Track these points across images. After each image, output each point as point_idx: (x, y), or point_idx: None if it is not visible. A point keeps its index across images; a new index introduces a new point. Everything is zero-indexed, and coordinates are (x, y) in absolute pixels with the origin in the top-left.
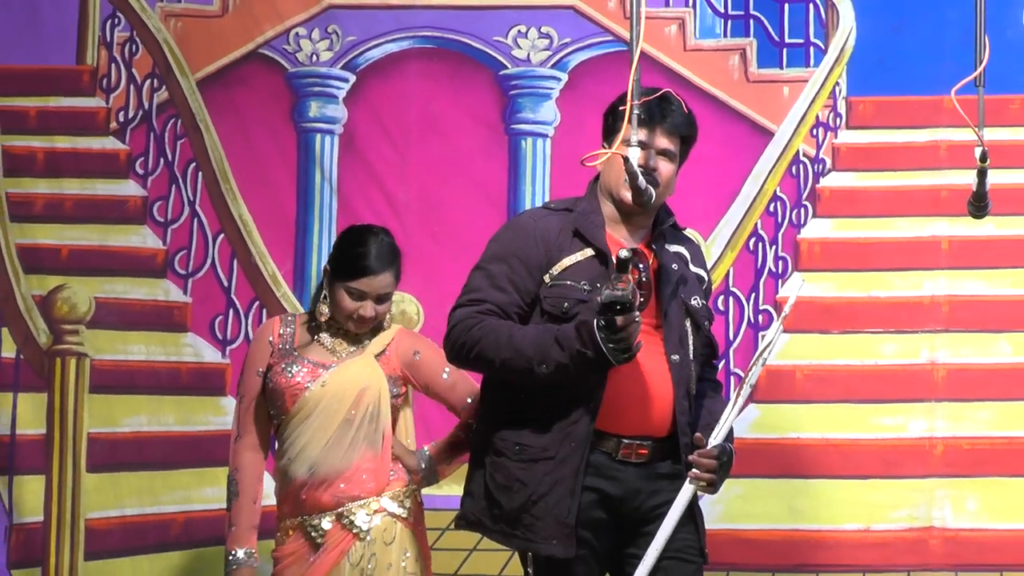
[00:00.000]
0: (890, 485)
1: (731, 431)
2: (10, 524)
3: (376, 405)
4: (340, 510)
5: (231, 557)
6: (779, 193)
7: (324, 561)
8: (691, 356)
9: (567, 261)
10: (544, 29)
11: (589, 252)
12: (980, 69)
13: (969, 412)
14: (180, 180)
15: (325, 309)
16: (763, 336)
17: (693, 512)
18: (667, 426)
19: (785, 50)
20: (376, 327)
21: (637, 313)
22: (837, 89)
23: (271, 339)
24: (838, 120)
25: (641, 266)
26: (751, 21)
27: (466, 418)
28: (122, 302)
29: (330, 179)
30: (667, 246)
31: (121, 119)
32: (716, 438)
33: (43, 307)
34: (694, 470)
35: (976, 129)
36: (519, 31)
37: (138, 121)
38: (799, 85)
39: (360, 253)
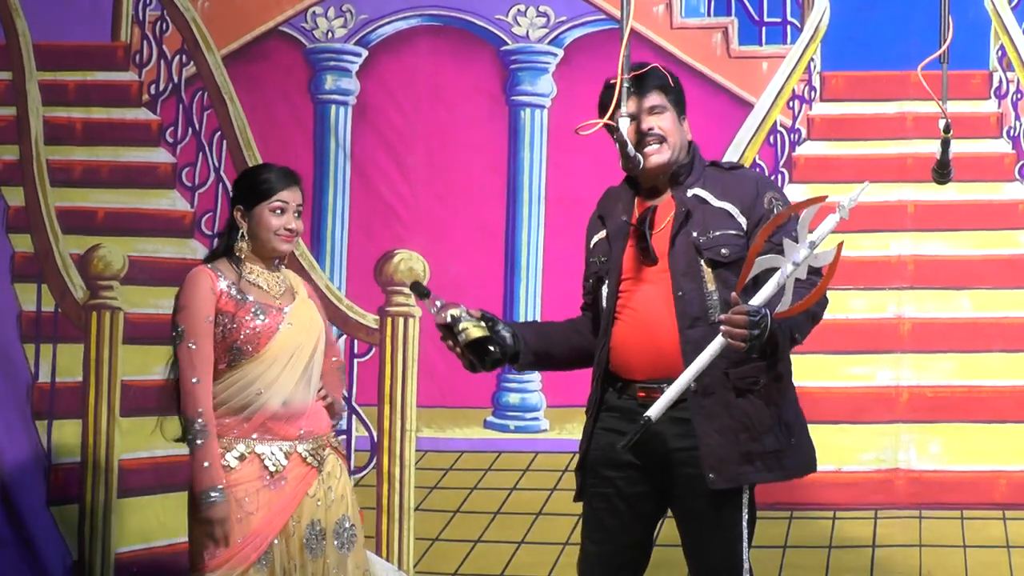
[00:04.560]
0: (859, 430)
1: (799, 318)
2: (49, 465)
3: (321, 347)
4: (303, 445)
5: (213, 494)
6: (758, 160)
7: (289, 495)
8: (706, 288)
9: (595, 239)
10: (542, 8)
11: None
12: (944, 47)
13: (932, 363)
14: (206, 148)
15: (244, 245)
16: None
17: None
18: (680, 367)
19: (764, 28)
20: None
21: (448, 340)
22: (812, 64)
23: (213, 289)
24: (813, 93)
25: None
26: (733, 1)
27: (326, 368)
28: (153, 260)
29: (344, 146)
30: (687, 191)
31: (152, 92)
32: (756, 299)
33: (80, 265)
34: (724, 326)
35: (940, 102)
36: (519, 10)
37: (168, 94)
38: (777, 61)
39: (268, 176)
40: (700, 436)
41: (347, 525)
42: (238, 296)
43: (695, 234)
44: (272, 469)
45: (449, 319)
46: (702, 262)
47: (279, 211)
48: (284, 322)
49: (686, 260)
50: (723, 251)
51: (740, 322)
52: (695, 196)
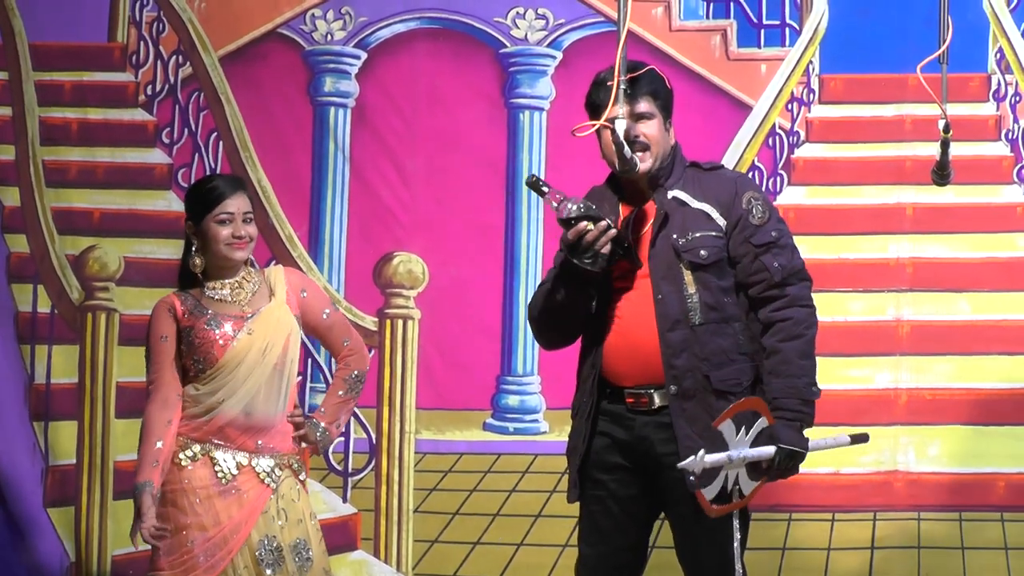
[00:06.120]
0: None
1: (798, 381)
2: (46, 466)
3: (295, 352)
4: (259, 461)
5: (138, 484)
6: (757, 163)
7: (248, 510)
8: (686, 290)
9: None
10: (540, 11)
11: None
12: (943, 49)
13: (931, 365)
14: (203, 149)
15: (198, 261)
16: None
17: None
18: (660, 372)
19: (763, 31)
20: (250, 273)
21: (587, 225)
22: (810, 67)
23: (171, 310)
24: (811, 95)
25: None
26: (731, 4)
27: (343, 364)
28: (149, 261)
29: (343, 149)
30: (667, 194)
31: (149, 92)
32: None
33: (76, 266)
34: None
35: (940, 104)
36: (517, 12)
37: (164, 94)
38: (775, 63)
39: (210, 187)
40: (680, 439)
41: (302, 548)
42: (197, 311)
43: (675, 236)
44: (220, 476)
45: (583, 208)
46: (681, 265)
47: (227, 221)
48: (243, 330)
49: (666, 263)
50: (702, 252)
51: (786, 468)
52: (674, 198)
